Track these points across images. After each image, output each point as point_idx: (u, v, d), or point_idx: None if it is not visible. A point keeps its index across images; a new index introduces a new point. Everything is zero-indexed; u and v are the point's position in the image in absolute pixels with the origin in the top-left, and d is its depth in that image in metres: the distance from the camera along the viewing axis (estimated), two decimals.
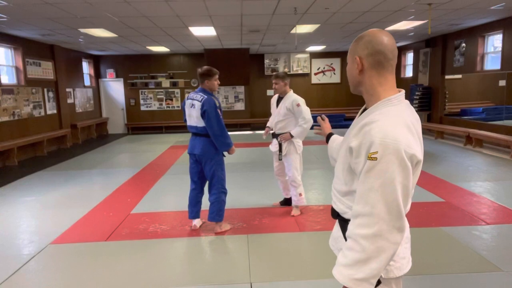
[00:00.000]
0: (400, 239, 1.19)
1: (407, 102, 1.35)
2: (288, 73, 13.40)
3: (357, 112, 1.56)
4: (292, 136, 4.12)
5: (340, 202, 1.43)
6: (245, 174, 6.34)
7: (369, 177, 1.19)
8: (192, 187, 3.91)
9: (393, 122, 1.22)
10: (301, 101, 4.12)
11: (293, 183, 4.24)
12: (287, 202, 4.57)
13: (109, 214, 4.52)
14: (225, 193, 3.83)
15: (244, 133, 12.33)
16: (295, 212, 4.33)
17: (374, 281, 1.19)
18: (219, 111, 3.63)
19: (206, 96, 3.63)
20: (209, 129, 3.60)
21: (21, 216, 4.58)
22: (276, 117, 4.24)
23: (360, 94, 1.41)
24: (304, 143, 10.85)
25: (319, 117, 2.04)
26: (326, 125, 1.99)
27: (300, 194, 4.27)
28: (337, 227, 1.52)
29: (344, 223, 1.41)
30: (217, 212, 3.77)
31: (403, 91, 1.35)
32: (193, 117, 3.69)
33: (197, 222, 3.97)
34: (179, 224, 4.12)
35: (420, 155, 1.22)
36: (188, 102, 3.75)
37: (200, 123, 3.66)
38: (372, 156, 1.18)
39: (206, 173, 3.78)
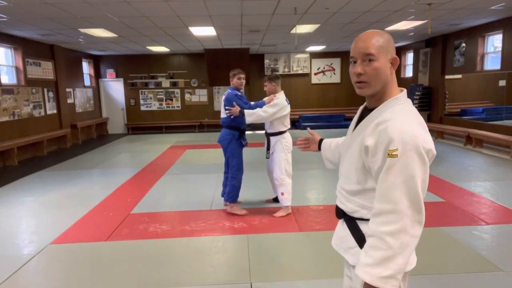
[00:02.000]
0: (420, 232, 1.22)
1: (410, 100, 1.38)
2: (288, 73, 13.41)
3: (356, 112, 1.56)
4: (242, 113, 4.14)
5: (349, 201, 1.43)
6: (245, 174, 6.32)
7: (390, 174, 1.21)
8: (224, 170, 4.55)
9: (407, 119, 1.25)
10: (281, 99, 4.18)
11: (276, 181, 4.27)
12: (276, 199, 4.62)
13: (109, 214, 4.52)
14: (236, 179, 4.28)
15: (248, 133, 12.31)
16: (278, 213, 4.27)
17: (400, 277, 1.22)
18: (241, 99, 4.22)
19: (231, 91, 4.32)
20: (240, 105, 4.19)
21: (21, 216, 4.58)
22: None
23: (374, 95, 1.36)
24: None
25: (308, 129, 2.04)
26: (315, 136, 1.98)
27: (283, 193, 4.21)
28: (341, 226, 1.52)
29: (352, 222, 1.43)
30: (228, 194, 4.32)
31: (405, 90, 1.38)
32: (222, 110, 4.35)
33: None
34: (179, 224, 4.12)
35: (434, 149, 1.25)
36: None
37: (224, 115, 4.29)
38: (392, 153, 1.20)
39: (226, 159, 4.40)
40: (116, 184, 5.90)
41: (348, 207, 1.44)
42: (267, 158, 4.38)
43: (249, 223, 4.08)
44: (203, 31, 8.46)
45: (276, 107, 4.13)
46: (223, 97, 4.36)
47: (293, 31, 8.58)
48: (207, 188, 5.53)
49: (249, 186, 5.51)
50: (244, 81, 4.36)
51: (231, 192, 4.31)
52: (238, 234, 3.81)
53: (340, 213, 1.49)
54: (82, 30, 7.84)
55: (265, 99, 4.39)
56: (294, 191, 5.21)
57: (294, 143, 2.22)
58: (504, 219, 4.06)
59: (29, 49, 8.89)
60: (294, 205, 4.66)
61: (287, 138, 4.31)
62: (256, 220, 4.19)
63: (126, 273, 3.09)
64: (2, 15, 6.34)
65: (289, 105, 4.29)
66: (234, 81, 4.33)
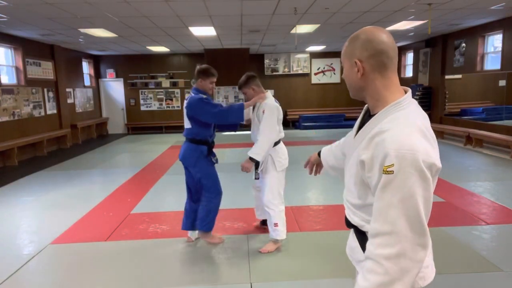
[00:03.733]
0: (424, 256, 1.10)
1: (415, 102, 1.25)
2: (288, 73, 13.41)
3: (356, 112, 1.54)
4: (253, 161, 3.23)
5: (354, 215, 1.34)
6: (245, 174, 6.32)
7: (386, 193, 1.09)
8: (187, 195, 3.61)
9: (406, 129, 1.11)
10: (271, 107, 3.26)
11: (266, 208, 3.36)
12: (265, 222, 3.71)
13: (109, 214, 4.52)
14: (213, 202, 3.43)
15: (244, 133, 12.32)
16: (267, 247, 3.38)
17: None
18: (208, 102, 3.29)
19: (195, 94, 3.32)
20: (210, 120, 3.31)
21: (21, 216, 4.58)
22: (254, 130, 3.42)
23: (362, 100, 1.29)
24: (303, 143, 10.75)
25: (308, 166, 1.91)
26: (313, 156, 1.89)
27: (276, 225, 3.32)
28: (352, 237, 1.44)
29: (360, 234, 1.34)
30: (202, 220, 3.42)
31: (409, 91, 1.25)
32: (184, 119, 3.43)
33: (191, 234, 3.65)
34: (179, 224, 4.10)
35: (439, 162, 1.11)
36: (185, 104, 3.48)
37: (188, 124, 3.37)
38: (387, 169, 1.07)
39: (195, 182, 3.46)
40: (116, 184, 5.90)
41: (354, 221, 1.35)
42: (256, 178, 3.44)
43: (249, 223, 4.08)
44: (203, 31, 8.46)
45: (272, 118, 3.23)
46: (185, 102, 3.41)
47: (293, 31, 8.58)
48: None
49: (249, 186, 5.51)
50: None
51: (206, 218, 3.42)
52: (238, 234, 3.81)
53: (349, 224, 1.41)
54: (82, 30, 7.84)
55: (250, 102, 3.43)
56: (294, 191, 5.24)
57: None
58: (504, 219, 4.06)
59: (29, 49, 8.88)
60: (294, 205, 4.66)
61: (281, 152, 3.38)
62: (256, 220, 4.19)
63: (126, 273, 3.09)
64: (2, 15, 6.34)
65: (280, 106, 3.39)
66: (204, 84, 3.39)
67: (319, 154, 1.83)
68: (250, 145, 3.42)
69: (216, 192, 3.46)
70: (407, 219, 1.07)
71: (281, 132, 3.38)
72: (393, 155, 1.07)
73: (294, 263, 3.18)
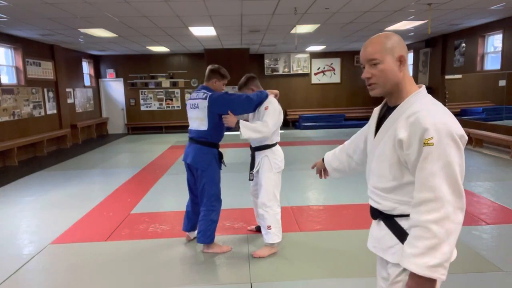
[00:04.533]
0: (462, 219, 1.23)
1: (430, 95, 1.41)
2: (288, 73, 13.41)
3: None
4: (238, 124, 3.14)
5: (385, 200, 1.41)
6: (245, 174, 6.32)
7: (428, 163, 1.22)
8: (189, 197, 3.53)
9: (435, 108, 1.30)
10: (274, 105, 3.24)
11: (260, 209, 3.29)
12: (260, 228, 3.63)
13: (109, 214, 4.52)
14: (215, 211, 3.30)
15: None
16: (260, 252, 3.29)
17: (448, 265, 1.23)
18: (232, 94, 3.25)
19: (211, 92, 3.20)
20: (241, 110, 3.21)
21: (21, 216, 4.58)
22: None
23: (387, 95, 1.43)
24: (303, 143, 10.75)
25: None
26: (318, 162, 2.04)
27: (269, 227, 3.23)
28: (377, 227, 1.49)
29: (390, 219, 1.41)
30: (204, 233, 3.26)
31: (423, 86, 1.41)
32: (194, 120, 3.25)
33: (191, 233, 3.63)
34: (179, 224, 4.10)
35: (466, 135, 1.28)
36: (189, 103, 3.33)
37: (203, 126, 3.18)
38: (428, 142, 1.22)
39: (197, 186, 3.32)
40: (116, 184, 5.89)
41: (384, 206, 1.42)
42: (251, 179, 3.43)
43: (249, 223, 4.08)
44: (203, 31, 8.46)
45: (275, 114, 3.22)
46: (196, 101, 3.22)
47: (293, 31, 8.58)
48: None
49: (248, 187, 5.52)
50: None
51: (208, 229, 3.26)
52: (238, 234, 3.81)
53: (376, 213, 1.47)
54: (82, 30, 7.84)
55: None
56: (294, 191, 5.24)
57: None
58: (504, 219, 4.06)
59: (29, 49, 8.89)
60: (294, 205, 4.66)
61: (278, 153, 3.33)
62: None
63: (126, 273, 3.09)
64: (2, 15, 6.34)
65: (281, 110, 3.36)
66: (219, 84, 3.31)
67: (324, 159, 1.98)
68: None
69: (218, 200, 3.34)
70: (448, 184, 1.21)
71: (278, 136, 3.35)
72: (432, 129, 1.22)
73: (294, 263, 3.18)
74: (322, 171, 2.02)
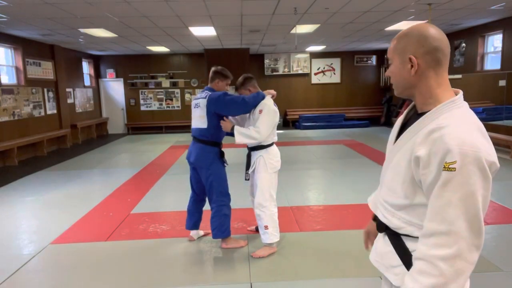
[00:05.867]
0: (477, 258, 1.07)
1: (467, 104, 1.21)
2: (288, 73, 13.41)
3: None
4: (232, 128, 3.24)
5: (393, 216, 1.28)
6: (243, 174, 6.33)
7: (446, 191, 1.05)
8: (191, 195, 3.61)
9: (466, 126, 1.09)
10: (268, 108, 3.23)
11: (256, 210, 3.31)
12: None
13: (109, 214, 4.52)
14: (226, 205, 3.38)
15: None
16: (260, 252, 3.30)
17: None
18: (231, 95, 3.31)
19: (209, 92, 3.31)
20: (236, 112, 3.29)
21: (21, 216, 4.58)
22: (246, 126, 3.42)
23: (409, 97, 1.26)
24: (303, 143, 10.74)
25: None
26: (369, 226, 1.61)
27: (267, 227, 3.25)
28: (382, 241, 1.36)
29: (396, 237, 1.28)
30: (219, 228, 3.34)
31: (461, 92, 1.22)
32: (196, 118, 3.37)
33: (194, 234, 3.68)
34: (179, 224, 4.11)
35: (498, 162, 1.09)
36: (193, 103, 3.46)
37: (203, 124, 3.29)
38: (449, 166, 1.04)
39: (204, 184, 3.42)
40: (116, 184, 5.90)
41: (391, 222, 1.28)
42: (247, 179, 3.50)
43: (249, 223, 4.08)
44: (203, 31, 8.46)
45: (268, 118, 3.20)
46: (198, 100, 3.34)
47: (293, 31, 8.58)
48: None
49: (248, 187, 5.52)
50: None
51: (223, 224, 3.35)
52: (238, 234, 3.80)
53: (382, 227, 1.34)
54: (82, 30, 7.84)
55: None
56: (294, 191, 5.24)
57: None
58: (504, 219, 4.06)
59: (29, 49, 8.89)
60: (294, 205, 4.66)
61: (273, 153, 3.34)
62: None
63: (126, 273, 3.09)
64: (2, 15, 6.35)
65: (277, 111, 3.36)
66: (222, 85, 3.42)
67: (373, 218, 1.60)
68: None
69: (227, 195, 3.42)
70: (467, 218, 1.04)
71: (274, 136, 3.36)
72: (456, 151, 1.03)
73: (294, 263, 3.18)
74: (367, 237, 1.60)
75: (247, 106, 3.25)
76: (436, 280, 1.06)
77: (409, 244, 1.24)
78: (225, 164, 3.48)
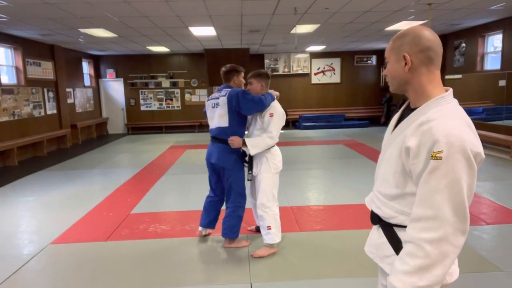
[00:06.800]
0: (463, 242, 1.14)
1: (456, 100, 1.29)
2: (288, 73, 13.41)
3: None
4: (244, 144, 3.25)
5: (386, 206, 1.35)
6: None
7: (432, 178, 1.13)
8: (209, 194, 3.62)
9: (454, 120, 1.17)
10: (278, 111, 3.29)
11: (259, 210, 3.30)
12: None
13: (109, 214, 4.52)
14: (241, 207, 3.40)
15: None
16: (260, 251, 3.30)
17: None
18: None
19: (228, 89, 3.31)
20: (252, 110, 3.25)
21: (21, 216, 4.58)
22: (251, 128, 3.42)
23: (403, 93, 1.35)
24: (303, 143, 10.74)
25: None
26: None
27: (269, 227, 3.26)
28: (376, 233, 1.44)
29: (389, 228, 1.35)
30: (231, 228, 3.38)
31: (451, 89, 1.30)
32: (216, 118, 3.30)
33: (203, 230, 3.71)
34: (179, 224, 4.12)
35: (483, 153, 1.17)
36: (209, 104, 3.39)
37: (224, 123, 3.25)
38: (436, 155, 1.12)
39: (224, 184, 3.43)
40: (116, 184, 5.90)
41: (384, 212, 1.36)
42: (249, 180, 3.43)
43: (249, 223, 4.08)
44: (203, 31, 8.46)
45: (279, 121, 3.28)
46: (217, 100, 3.30)
47: (293, 31, 8.58)
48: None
49: (248, 187, 5.52)
50: None
51: (235, 225, 3.40)
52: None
53: (376, 219, 1.41)
54: (82, 30, 7.84)
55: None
56: (294, 191, 5.24)
57: None
58: (504, 219, 4.06)
59: (29, 49, 8.89)
60: (294, 205, 4.66)
61: (276, 154, 3.37)
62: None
63: (126, 273, 3.09)
64: (2, 15, 6.35)
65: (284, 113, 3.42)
66: (241, 80, 3.44)
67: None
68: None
69: (244, 197, 3.44)
70: (452, 204, 1.12)
71: (277, 137, 3.38)
72: (443, 141, 1.11)
73: (294, 263, 3.18)
74: None
75: (263, 106, 3.25)
76: (423, 262, 1.13)
77: (401, 234, 1.30)
78: (245, 164, 3.46)
